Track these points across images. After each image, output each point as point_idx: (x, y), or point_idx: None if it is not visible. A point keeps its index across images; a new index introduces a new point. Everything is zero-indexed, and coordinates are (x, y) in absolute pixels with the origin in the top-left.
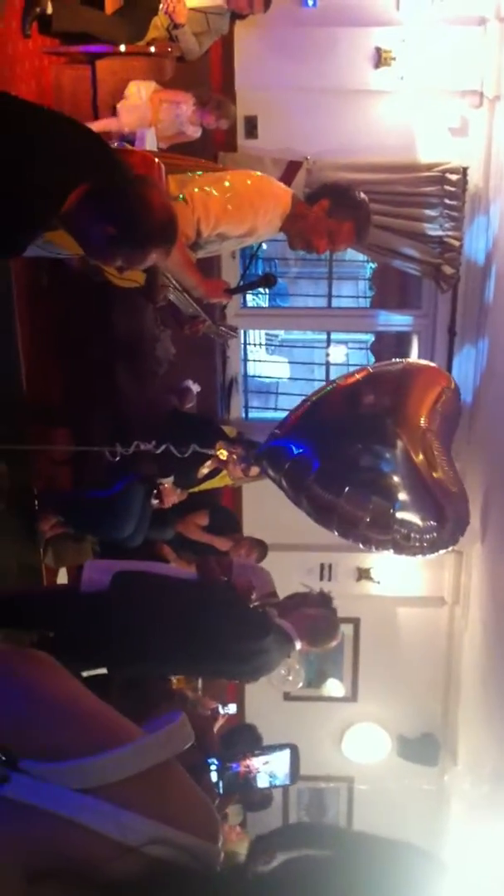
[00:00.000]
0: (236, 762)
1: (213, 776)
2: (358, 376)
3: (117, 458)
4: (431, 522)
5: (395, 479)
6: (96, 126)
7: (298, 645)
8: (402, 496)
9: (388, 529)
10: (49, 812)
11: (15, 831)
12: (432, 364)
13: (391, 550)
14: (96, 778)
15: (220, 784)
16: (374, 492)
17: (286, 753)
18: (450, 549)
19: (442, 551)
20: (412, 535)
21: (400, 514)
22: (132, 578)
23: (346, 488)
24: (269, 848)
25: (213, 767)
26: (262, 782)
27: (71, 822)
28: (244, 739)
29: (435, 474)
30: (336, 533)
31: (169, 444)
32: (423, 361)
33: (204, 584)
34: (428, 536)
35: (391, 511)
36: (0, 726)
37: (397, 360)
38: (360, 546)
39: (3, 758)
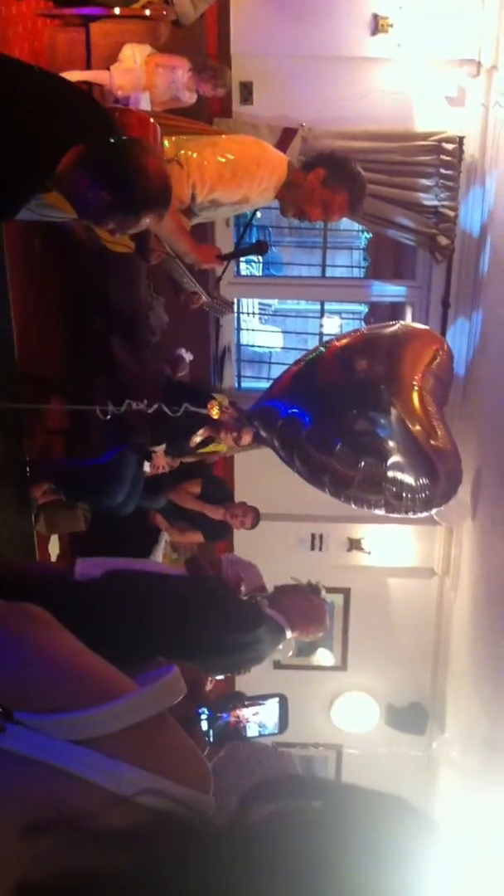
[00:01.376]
0: (226, 712)
1: (204, 725)
2: (350, 339)
3: (108, 417)
4: (423, 480)
5: (390, 442)
6: (87, 75)
7: (289, 634)
8: (395, 456)
9: (379, 488)
10: (44, 763)
11: (10, 782)
12: (426, 327)
13: (383, 510)
14: (91, 730)
15: (211, 733)
16: (366, 451)
17: (275, 702)
18: (441, 507)
19: (434, 510)
20: (404, 493)
21: (391, 473)
22: (123, 574)
23: (338, 447)
24: (261, 797)
25: (203, 717)
26: (252, 732)
27: (66, 772)
28: (230, 697)
29: (431, 438)
30: (328, 492)
31: (161, 404)
32: (417, 325)
33: (194, 579)
34: (420, 495)
35: (383, 470)
36: (3, 682)
37: (391, 322)
38: (352, 505)
39: None
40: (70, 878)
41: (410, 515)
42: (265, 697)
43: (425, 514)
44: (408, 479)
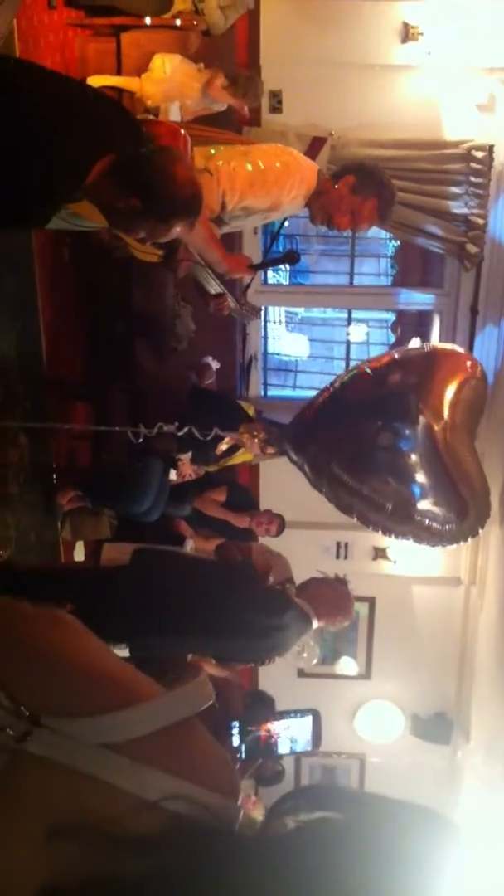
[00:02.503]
0: (258, 726)
1: (235, 740)
2: (384, 360)
3: (140, 441)
4: (452, 514)
5: (419, 468)
6: (117, 81)
7: (315, 623)
8: (425, 485)
9: (409, 519)
10: (69, 767)
11: (35, 787)
12: (459, 349)
13: (410, 539)
14: (117, 733)
15: (242, 748)
16: (397, 481)
17: (308, 719)
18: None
19: (460, 543)
20: (433, 525)
21: (421, 505)
22: (152, 554)
23: (369, 475)
24: (288, 809)
25: (234, 731)
26: (283, 748)
27: (91, 777)
28: (258, 707)
29: (460, 466)
30: (356, 519)
31: (192, 427)
32: (450, 345)
33: (224, 562)
34: (448, 527)
35: (413, 501)
36: (24, 685)
37: (424, 343)
38: (380, 533)
39: (27, 713)
40: (94, 883)
41: (438, 547)
42: (298, 712)
43: (452, 545)
44: (437, 514)
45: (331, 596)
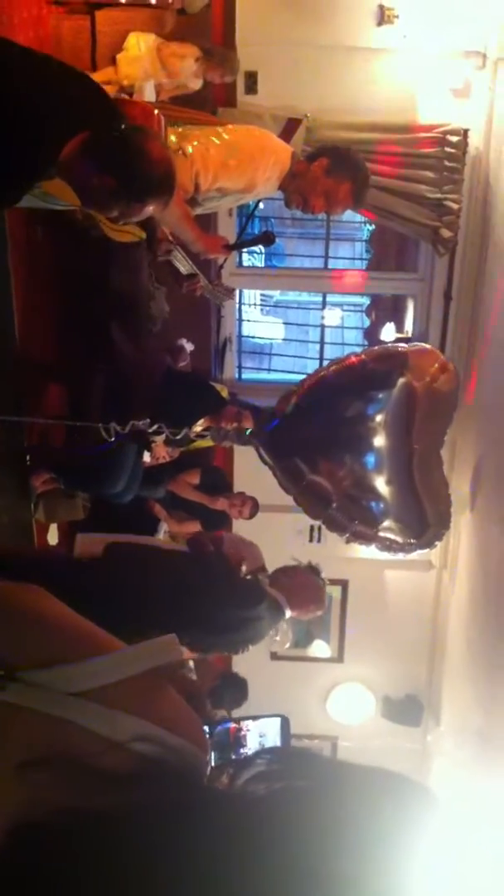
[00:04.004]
0: (227, 721)
1: (205, 730)
2: (355, 359)
3: (112, 440)
4: (411, 532)
5: (389, 483)
6: (95, 77)
7: (288, 613)
8: (391, 504)
9: (373, 538)
10: (42, 712)
11: (10, 728)
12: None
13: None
14: (86, 680)
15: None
16: (358, 518)
17: (276, 722)
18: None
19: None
20: (396, 545)
21: (386, 522)
22: (125, 548)
23: (335, 504)
24: (257, 767)
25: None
26: (252, 742)
27: (63, 720)
28: (230, 692)
29: (430, 484)
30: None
31: (163, 426)
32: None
33: (196, 555)
34: (408, 543)
35: (374, 534)
36: (1, 645)
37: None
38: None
39: (1, 672)
40: (62, 814)
41: (401, 556)
42: (267, 716)
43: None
44: (397, 529)
45: (303, 586)
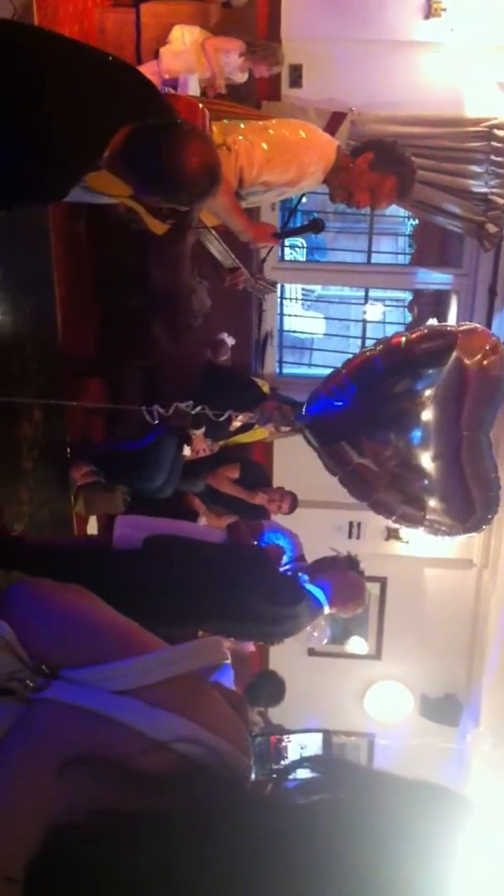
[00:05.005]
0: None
1: None
2: (402, 338)
3: (156, 421)
4: (457, 515)
5: (435, 471)
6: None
7: (327, 610)
8: (437, 488)
9: (420, 520)
10: (85, 708)
11: (50, 723)
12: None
13: (423, 531)
14: (131, 679)
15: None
16: (407, 503)
17: (318, 736)
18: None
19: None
20: (443, 527)
21: (432, 503)
22: (165, 541)
23: (382, 486)
24: (297, 776)
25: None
26: (293, 752)
27: (106, 717)
28: (267, 690)
29: (478, 471)
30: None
31: (205, 407)
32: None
33: (236, 548)
34: (454, 526)
35: (422, 517)
36: (42, 643)
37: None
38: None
39: (46, 670)
40: (102, 814)
41: (448, 539)
42: (308, 731)
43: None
44: (445, 508)
45: (343, 583)
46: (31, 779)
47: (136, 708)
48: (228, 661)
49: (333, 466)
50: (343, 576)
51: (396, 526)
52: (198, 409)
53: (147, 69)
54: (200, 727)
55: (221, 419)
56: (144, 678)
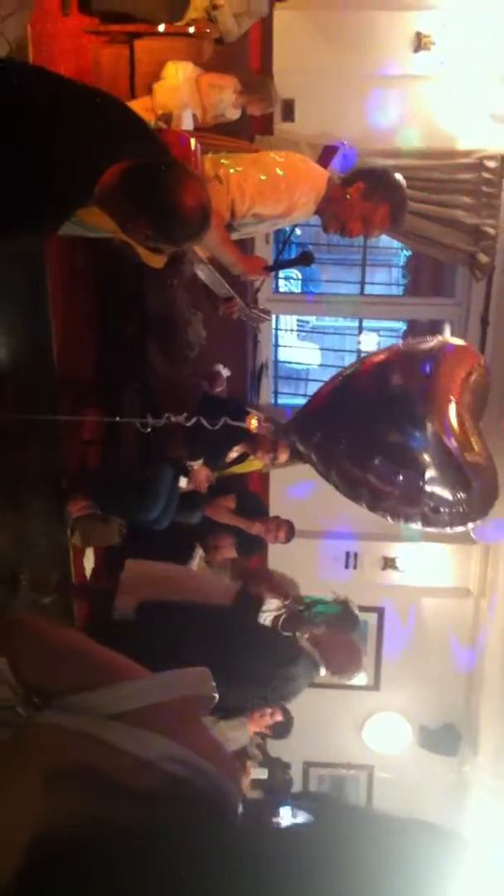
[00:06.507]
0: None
1: None
2: (387, 355)
3: (148, 430)
4: (460, 495)
5: (426, 456)
6: (133, 106)
7: (323, 672)
8: (431, 470)
9: (417, 502)
10: (75, 730)
11: (41, 740)
12: (463, 342)
13: (420, 523)
14: (118, 704)
15: None
16: (402, 465)
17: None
18: (479, 521)
19: (471, 524)
20: (441, 507)
21: (429, 487)
22: (158, 608)
23: (375, 461)
24: (288, 807)
25: None
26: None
27: (93, 737)
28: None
29: (466, 452)
30: (364, 506)
31: (200, 417)
32: (455, 340)
33: (232, 611)
34: (457, 509)
35: (420, 484)
36: (35, 674)
37: (429, 337)
38: (389, 519)
39: (37, 700)
40: (86, 825)
41: (448, 530)
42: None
43: (462, 528)
44: (445, 493)
45: (341, 647)
46: (17, 791)
47: (125, 729)
48: (216, 696)
49: (324, 468)
50: (341, 638)
51: (393, 555)
52: (192, 420)
53: (141, 104)
54: (188, 750)
55: (217, 426)
56: (132, 702)
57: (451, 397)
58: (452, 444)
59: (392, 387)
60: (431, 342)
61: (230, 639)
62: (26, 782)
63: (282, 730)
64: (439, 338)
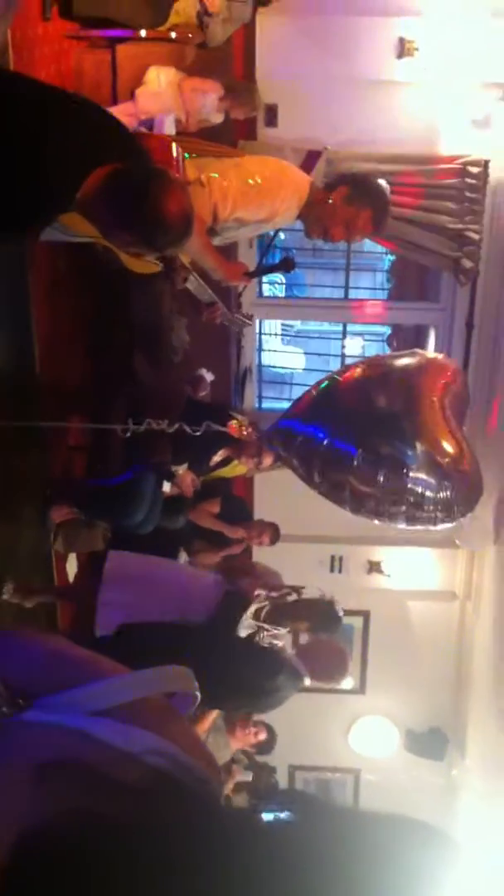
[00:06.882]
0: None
1: None
2: (365, 370)
3: (128, 435)
4: (443, 494)
5: (408, 452)
6: (115, 111)
7: (308, 681)
8: (414, 469)
9: (400, 500)
10: (60, 726)
11: (25, 738)
12: (434, 355)
13: (404, 523)
14: (102, 700)
15: None
16: (384, 466)
17: None
18: (462, 517)
19: (455, 522)
20: (425, 505)
21: (411, 485)
22: (137, 631)
23: (356, 462)
24: (273, 801)
25: None
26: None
27: (77, 731)
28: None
29: (447, 453)
30: (348, 508)
31: (182, 423)
32: (427, 354)
33: (218, 618)
34: (440, 506)
35: (403, 483)
36: (19, 674)
37: (402, 353)
38: (374, 520)
39: (20, 701)
40: (73, 816)
41: (431, 528)
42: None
43: (446, 525)
44: (428, 490)
45: (326, 655)
46: (3, 786)
47: (109, 724)
48: (198, 694)
49: (306, 471)
50: (326, 648)
51: (378, 559)
52: (174, 427)
53: (123, 110)
54: (172, 744)
55: (198, 433)
56: (115, 698)
57: (434, 398)
58: (443, 460)
59: (378, 407)
60: (404, 360)
61: (214, 652)
62: (11, 779)
63: (265, 747)
64: (412, 353)
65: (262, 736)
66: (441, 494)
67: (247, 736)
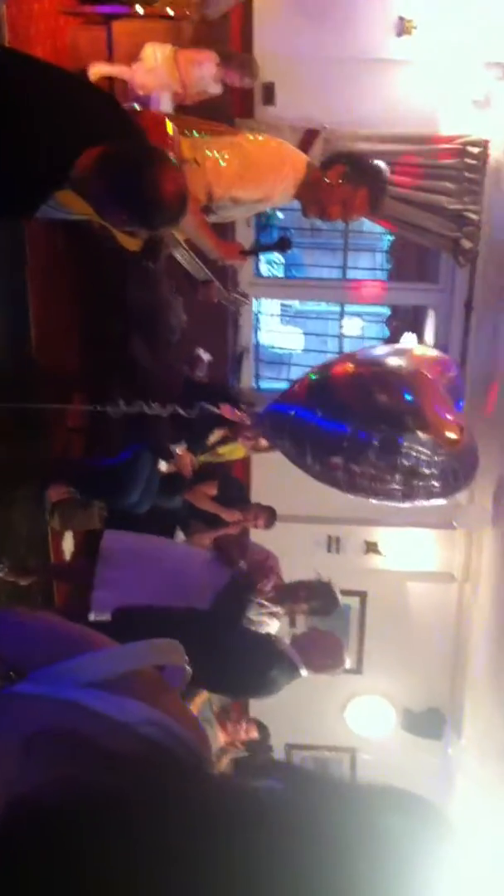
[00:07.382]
0: None
1: None
2: (359, 367)
3: (120, 416)
4: (439, 459)
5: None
6: (110, 70)
7: (304, 672)
8: (408, 444)
9: (393, 480)
10: (53, 698)
11: (17, 708)
12: (424, 353)
13: (401, 500)
14: (94, 671)
15: None
16: (377, 444)
17: None
18: (457, 491)
19: (452, 492)
20: (421, 475)
21: (404, 461)
22: (132, 615)
23: (346, 443)
24: (266, 773)
25: None
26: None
27: (71, 702)
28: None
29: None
30: (344, 489)
31: (175, 405)
32: (419, 350)
33: (211, 613)
34: (438, 475)
35: (396, 460)
36: (12, 649)
37: (389, 350)
38: (371, 500)
39: (12, 674)
40: (66, 786)
41: (431, 501)
42: None
43: (447, 495)
44: (423, 457)
45: (323, 646)
46: None
47: (102, 695)
48: (188, 668)
49: (298, 453)
50: (320, 637)
51: (375, 539)
52: (168, 409)
53: (117, 71)
54: (164, 714)
55: (193, 415)
56: (106, 669)
57: (439, 410)
58: (447, 448)
59: (378, 402)
60: (398, 358)
61: (211, 642)
62: (1, 749)
63: (255, 746)
64: (404, 356)
65: (253, 734)
66: (437, 459)
67: (237, 731)
